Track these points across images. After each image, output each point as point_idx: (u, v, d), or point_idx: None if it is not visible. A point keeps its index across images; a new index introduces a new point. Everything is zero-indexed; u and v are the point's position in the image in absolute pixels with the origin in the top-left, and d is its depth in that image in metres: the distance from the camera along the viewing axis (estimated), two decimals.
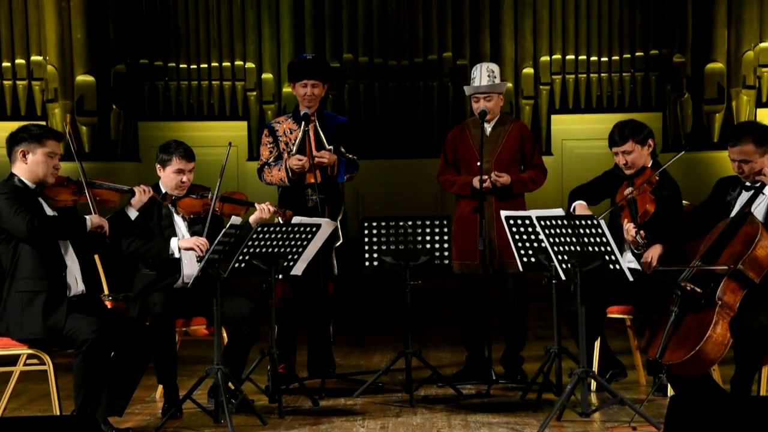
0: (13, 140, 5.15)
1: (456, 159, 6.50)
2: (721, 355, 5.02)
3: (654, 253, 5.63)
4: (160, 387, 5.80)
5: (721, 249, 5.14)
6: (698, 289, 5.08)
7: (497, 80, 6.41)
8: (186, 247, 5.62)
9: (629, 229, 5.61)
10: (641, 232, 5.56)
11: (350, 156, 6.54)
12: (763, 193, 5.24)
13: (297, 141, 6.41)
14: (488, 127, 6.44)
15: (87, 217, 5.12)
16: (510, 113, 11.19)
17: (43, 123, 10.63)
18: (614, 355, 6.19)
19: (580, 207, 5.93)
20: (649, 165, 5.87)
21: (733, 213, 5.30)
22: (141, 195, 5.42)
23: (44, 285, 5.02)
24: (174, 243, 5.65)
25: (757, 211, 5.23)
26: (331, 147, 6.45)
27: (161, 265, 5.69)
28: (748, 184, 5.32)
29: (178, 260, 5.68)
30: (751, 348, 5.00)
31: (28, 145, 5.10)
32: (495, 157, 6.40)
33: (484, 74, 6.39)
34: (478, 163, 6.37)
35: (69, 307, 5.02)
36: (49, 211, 5.13)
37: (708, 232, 5.36)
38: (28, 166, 5.09)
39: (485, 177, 6.26)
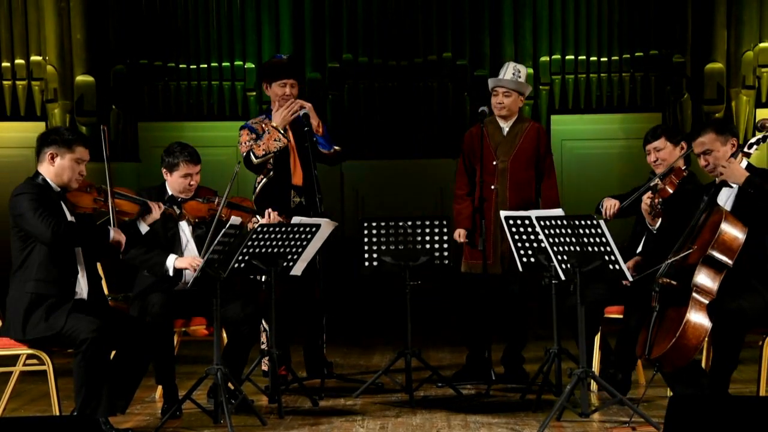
0: (44, 141, 5.17)
1: (473, 158, 6.50)
2: (702, 339, 5.07)
3: (609, 204, 5.87)
4: (160, 387, 5.80)
5: (692, 241, 5.22)
6: (674, 282, 5.15)
7: (522, 80, 6.44)
8: (182, 267, 5.59)
9: (645, 198, 5.73)
10: (657, 200, 5.67)
11: (337, 147, 6.54)
12: (731, 186, 5.31)
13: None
14: (506, 127, 6.47)
15: (109, 227, 5.14)
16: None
17: (39, 124, 10.66)
18: None
19: (606, 199, 6.00)
20: (681, 167, 5.93)
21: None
22: (155, 212, 5.48)
23: (54, 289, 5.03)
24: (171, 260, 5.62)
25: (727, 204, 5.32)
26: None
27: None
28: (717, 180, 5.38)
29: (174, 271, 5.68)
30: (727, 330, 5.05)
31: (58, 149, 5.11)
32: (511, 157, 6.42)
33: (509, 71, 6.45)
34: (494, 162, 6.39)
35: (70, 307, 5.03)
36: (68, 217, 5.15)
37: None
38: (54, 169, 5.12)
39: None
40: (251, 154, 6.37)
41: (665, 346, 5.05)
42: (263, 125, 6.45)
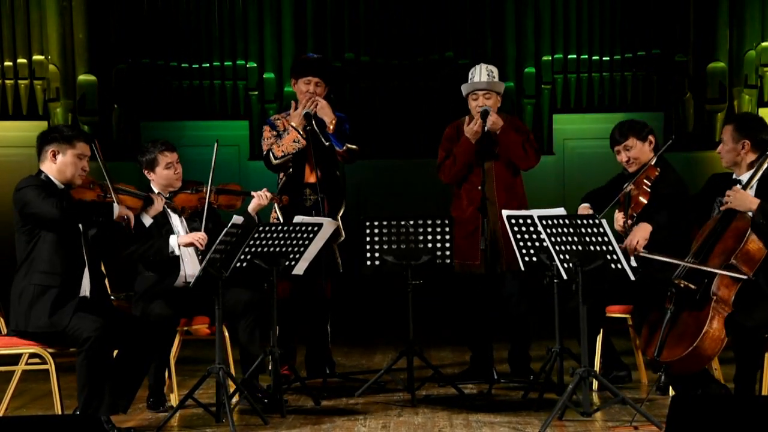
0: (44, 139, 5.19)
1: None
2: (719, 350, 5.05)
3: (640, 235, 5.64)
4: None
5: (712, 245, 5.19)
6: (692, 286, 5.11)
7: (496, 79, 6.43)
8: (185, 243, 5.63)
9: (618, 218, 5.71)
10: (629, 221, 5.64)
11: (352, 146, 6.50)
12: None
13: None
14: (486, 125, 6.45)
15: (114, 204, 5.16)
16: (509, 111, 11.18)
17: (42, 123, 10.67)
18: (619, 357, 6.19)
19: (582, 208, 5.98)
20: (652, 162, 5.90)
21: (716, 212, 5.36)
22: (158, 204, 5.52)
23: (58, 281, 5.04)
24: (173, 240, 5.66)
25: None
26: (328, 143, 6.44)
27: (161, 265, 5.70)
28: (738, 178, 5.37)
29: (178, 258, 5.69)
30: (748, 347, 5.02)
31: (59, 145, 5.14)
32: (495, 156, 6.41)
33: (483, 72, 6.42)
34: (480, 163, 6.38)
35: (75, 306, 5.04)
36: None
37: (689, 225, 5.47)
38: (57, 167, 5.14)
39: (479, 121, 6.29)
40: (271, 154, 6.38)
41: (680, 353, 5.01)
42: (284, 122, 6.48)
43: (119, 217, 5.17)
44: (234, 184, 6.02)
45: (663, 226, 5.69)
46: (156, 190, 5.80)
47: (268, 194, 5.92)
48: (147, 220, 5.55)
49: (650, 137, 5.95)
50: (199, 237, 5.59)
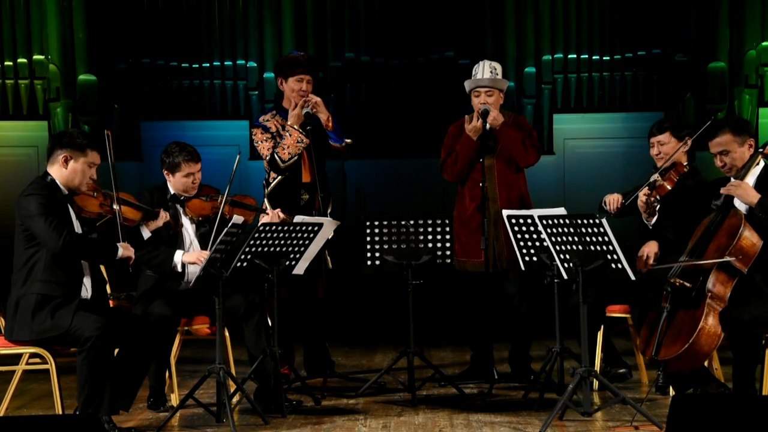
0: (58, 142, 5.20)
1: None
2: (715, 346, 5.07)
3: (650, 250, 5.71)
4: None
5: (706, 243, 5.21)
6: (687, 284, 5.13)
7: (499, 76, 6.43)
8: (189, 261, 5.63)
9: (641, 193, 5.74)
10: (651, 198, 5.74)
11: (348, 140, 6.51)
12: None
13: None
14: (487, 123, 6.45)
15: (118, 245, 5.15)
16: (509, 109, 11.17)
17: (42, 123, 10.67)
18: (620, 356, 6.19)
19: (609, 195, 6.03)
20: (684, 163, 5.93)
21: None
22: (160, 221, 5.55)
23: (60, 290, 5.04)
24: (178, 256, 5.65)
25: (740, 205, 5.29)
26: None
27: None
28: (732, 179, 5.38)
29: (182, 266, 5.70)
30: (744, 341, 5.04)
31: (72, 151, 5.14)
32: (497, 153, 6.42)
33: (486, 69, 6.41)
34: (480, 160, 6.38)
35: (76, 306, 5.04)
36: (74, 219, 5.17)
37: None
38: (66, 172, 5.14)
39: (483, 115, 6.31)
40: (277, 157, 6.35)
41: (676, 350, 5.03)
42: (275, 122, 6.46)
43: (122, 257, 5.17)
44: (250, 197, 6.00)
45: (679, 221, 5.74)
46: (172, 191, 5.81)
47: (282, 215, 5.90)
48: (145, 233, 5.56)
49: (687, 139, 5.96)
50: (204, 256, 5.56)
